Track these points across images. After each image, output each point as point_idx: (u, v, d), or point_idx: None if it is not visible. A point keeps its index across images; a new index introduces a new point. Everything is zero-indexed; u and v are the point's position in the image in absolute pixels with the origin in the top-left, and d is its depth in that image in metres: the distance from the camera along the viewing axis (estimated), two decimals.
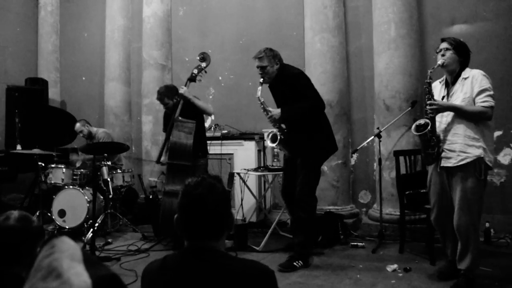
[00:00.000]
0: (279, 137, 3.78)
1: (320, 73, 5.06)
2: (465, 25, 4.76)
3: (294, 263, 3.72)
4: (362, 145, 4.73)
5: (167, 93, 4.63)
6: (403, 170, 4.18)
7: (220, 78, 6.26)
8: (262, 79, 3.87)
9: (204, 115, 4.90)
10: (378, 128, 4.62)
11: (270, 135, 3.88)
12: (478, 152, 2.98)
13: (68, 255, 0.84)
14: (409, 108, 4.57)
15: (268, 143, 3.90)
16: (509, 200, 4.51)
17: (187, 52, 6.48)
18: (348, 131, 5.22)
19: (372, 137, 4.61)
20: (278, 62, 3.86)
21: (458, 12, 4.78)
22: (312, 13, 5.18)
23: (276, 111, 3.79)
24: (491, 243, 4.24)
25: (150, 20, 6.47)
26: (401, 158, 4.21)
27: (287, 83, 3.83)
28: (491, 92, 2.99)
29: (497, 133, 4.56)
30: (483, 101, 2.97)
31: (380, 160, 4.53)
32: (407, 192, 4.02)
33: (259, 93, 3.85)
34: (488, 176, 4.51)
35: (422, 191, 3.94)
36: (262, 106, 3.85)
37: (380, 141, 4.52)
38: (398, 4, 4.70)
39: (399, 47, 4.70)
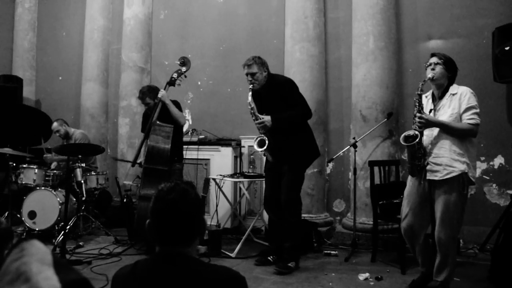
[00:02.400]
0: (267, 143, 3.82)
1: (299, 81, 5.07)
2: (441, 40, 4.89)
3: (289, 265, 3.83)
4: (338, 155, 4.79)
5: (149, 93, 4.66)
6: (377, 180, 4.26)
7: (199, 83, 6.25)
8: (252, 86, 3.90)
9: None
10: (354, 138, 4.69)
11: (258, 139, 3.89)
12: (463, 167, 3.02)
13: (37, 259, 0.82)
14: (385, 120, 4.66)
15: (256, 148, 3.92)
16: (478, 212, 4.63)
17: (167, 56, 6.45)
18: (325, 140, 5.28)
19: (348, 146, 4.68)
20: (266, 69, 3.97)
21: (434, 28, 4.91)
22: (293, 22, 5.24)
23: (267, 118, 3.83)
24: (460, 254, 4.31)
25: (130, 22, 6.42)
26: (376, 169, 4.29)
27: (278, 89, 3.91)
28: (478, 110, 3.05)
29: None
30: (470, 119, 3.03)
31: (355, 170, 4.59)
32: (380, 202, 4.09)
33: (250, 99, 3.87)
34: None
35: (395, 201, 4.01)
36: (252, 111, 3.88)
37: (355, 151, 4.59)
38: (377, 17, 4.80)
39: (377, 59, 4.79)
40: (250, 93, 3.89)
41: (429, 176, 3.11)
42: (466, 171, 3.02)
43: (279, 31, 5.54)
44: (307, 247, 4.51)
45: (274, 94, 3.93)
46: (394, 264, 3.98)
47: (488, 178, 4.61)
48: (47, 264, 0.83)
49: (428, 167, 3.10)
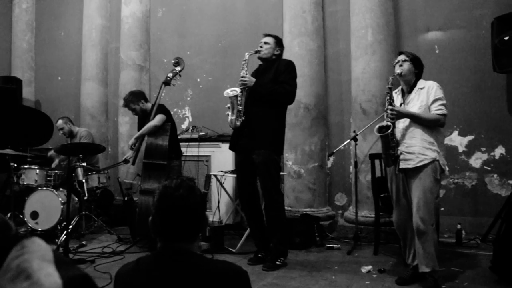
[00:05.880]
0: (237, 94, 3.84)
1: (298, 76, 5.00)
2: (440, 32, 4.88)
3: (277, 262, 3.80)
4: (338, 148, 4.78)
5: (132, 99, 4.74)
6: (378, 173, 4.26)
7: (198, 80, 6.25)
8: (259, 49, 3.96)
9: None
10: (354, 132, 4.69)
11: (232, 89, 3.88)
12: (434, 154, 3.19)
13: (38, 256, 0.82)
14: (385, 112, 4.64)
15: (226, 93, 3.90)
16: (480, 203, 4.63)
17: (166, 53, 6.45)
18: (325, 134, 5.27)
19: (349, 140, 4.68)
20: (279, 50, 4.04)
21: (433, 19, 4.90)
22: (291, 17, 5.23)
23: (251, 78, 3.86)
24: (462, 244, 4.35)
25: (128, 20, 6.41)
26: (377, 161, 4.29)
27: (279, 67, 3.91)
28: (444, 102, 3.25)
29: (469, 138, 4.69)
30: (438, 109, 3.21)
31: (356, 163, 4.59)
32: (382, 195, 4.10)
33: (247, 56, 3.92)
34: (460, 179, 4.66)
35: None
36: (244, 63, 3.90)
37: (356, 144, 4.59)
38: (375, 10, 4.79)
39: (376, 52, 4.78)
40: (253, 52, 3.95)
41: (403, 165, 3.25)
42: (437, 158, 3.19)
43: (278, 26, 5.52)
44: (310, 241, 4.52)
45: (275, 70, 3.91)
46: (397, 256, 3.99)
47: (489, 168, 4.61)
48: (48, 260, 0.83)
49: (401, 157, 3.26)
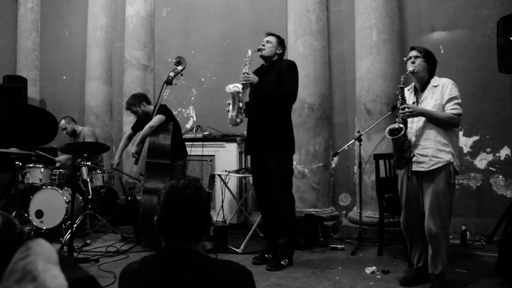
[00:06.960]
0: (239, 90, 3.83)
1: (302, 76, 5.08)
2: (445, 32, 4.85)
3: (282, 262, 3.80)
4: (343, 148, 4.77)
5: (134, 102, 4.77)
6: (382, 174, 4.24)
7: (202, 79, 6.25)
8: (261, 47, 3.96)
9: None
10: (358, 132, 4.68)
11: (234, 84, 3.88)
12: (448, 157, 3.08)
13: (43, 258, 0.83)
14: (390, 112, 4.63)
15: (228, 88, 3.90)
16: (485, 204, 4.61)
17: (170, 53, 6.45)
18: (329, 134, 5.26)
19: (353, 140, 4.66)
20: (281, 49, 4.04)
21: (438, 19, 4.88)
22: (295, 16, 5.22)
23: (254, 76, 3.84)
24: (466, 245, 4.34)
25: (133, 20, 6.42)
26: (381, 162, 4.28)
27: (280, 68, 3.90)
28: (459, 101, 3.12)
29: (474, 138, 4.67)
30: (453, 108, 3.09)
31: (360, 164, 4.58)
32: (386, 195, 4.08)
33: (250, 52, 3.92)
34: (465, 180, 4.64)
35: None
36: (247, 60, 3.90)
37: (360, 144, 4.58)
38: (380, 10, 4.77)
39: (381, 52, 4.76)
40: (255, 50, 3.95)
41: (415, 168, 3.15)
42: (452, 160, 3.09)
43: (282, 26, 5.51)
44: (314, 241, 4.51)
45: (276, 71, 3.91)
46: (401, 257, 3.98)
47: (494, 169, 4.59)
48: (53, 262, 0.83)
49: (414, 159, 3.15)
